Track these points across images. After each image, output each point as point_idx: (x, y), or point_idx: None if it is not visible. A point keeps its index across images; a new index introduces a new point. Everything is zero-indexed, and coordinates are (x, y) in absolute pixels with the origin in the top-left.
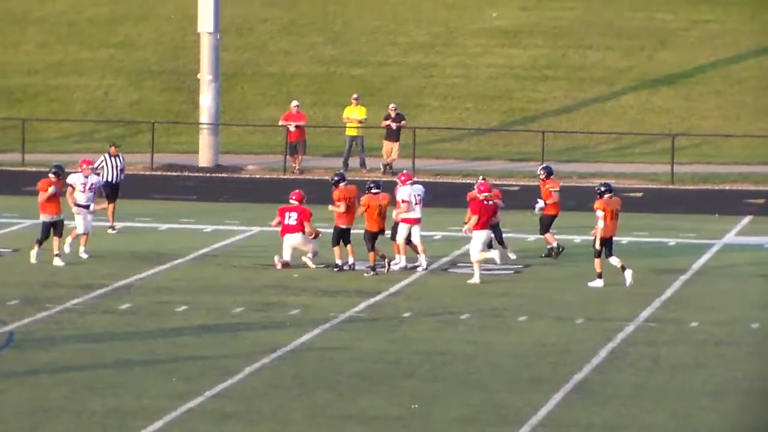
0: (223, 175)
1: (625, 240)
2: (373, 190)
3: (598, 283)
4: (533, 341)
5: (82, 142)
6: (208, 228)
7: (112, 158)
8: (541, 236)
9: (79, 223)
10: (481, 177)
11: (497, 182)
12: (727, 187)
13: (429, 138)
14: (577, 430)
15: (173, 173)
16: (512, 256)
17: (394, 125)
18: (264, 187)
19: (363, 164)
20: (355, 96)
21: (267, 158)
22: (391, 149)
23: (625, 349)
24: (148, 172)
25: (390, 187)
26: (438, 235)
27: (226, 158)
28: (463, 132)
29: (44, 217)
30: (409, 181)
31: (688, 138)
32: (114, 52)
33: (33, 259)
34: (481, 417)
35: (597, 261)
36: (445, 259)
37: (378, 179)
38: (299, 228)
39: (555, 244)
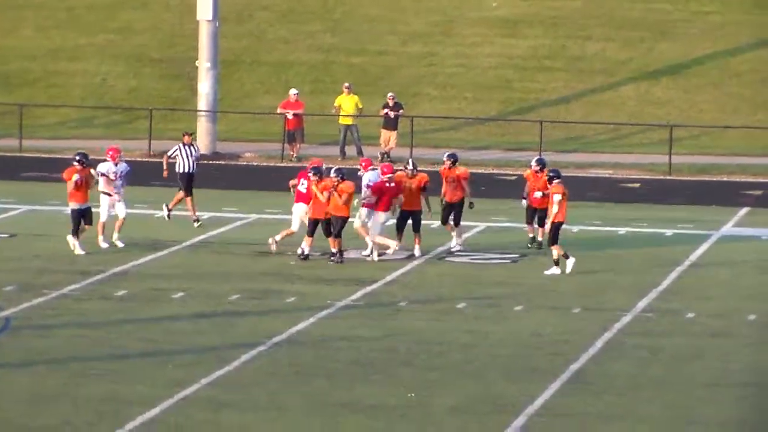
0: (220, 162)
1: (623, 230)
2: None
3: (556, 270)
4: (530, 331)
5: (80, 128)
6: (206, 215)
7: (186, 147)
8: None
9: (103, 210)
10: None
11: (494, 171)
12: (725, 179)
13: (427, 127)
14: (573, 420)
15: (171, 160)
16: (453, 245)
17: (392, 114)
18: (261, 175)
19: (360, 152)
20: (346, 85)
21: (265, 146)
22: (389, 138)
23: (622, 340)
24: (145, 159)
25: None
26: (435, 224)
27: (224, 146)
28: (461, 121)
29: (73, 205)
30: (371, 167)
31: (687, 129)
32: (113, 38)
33: (78, 250)
34: (477, 406)
35: (556, 247)
36: (441, 248)
37: (341, 167)
38: (308, 198)
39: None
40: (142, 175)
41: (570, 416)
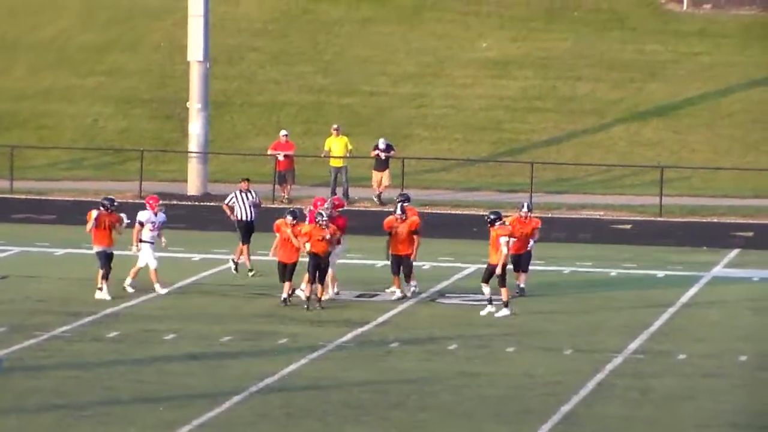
0: (211, 203)
1: (614, 272)
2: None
3: (506, 311)
4: (521, 372)
5: (71, 170)
6: (197, 257)
7: (243, 194)
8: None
9: (149, 258)
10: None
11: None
12: (716, 220)
13: (418, 168)
14: None
15: (162, 202)
16: (397, 293)
17: (383, 155)
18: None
19: (346, 195)
20: (335, 126)
21: (256, 187)
22: (380, 179)
23: (613, 381)
24: (136, 200)
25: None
26: (426, 265)
27: (215, 187)
28: (452, 162)
29: (97, 248)
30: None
31: (677, 170)
32: (103, 79)
33: (105, 295)
34: None
35: (504, 290)
36: (432, 290)
37: (295, 208)
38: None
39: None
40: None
41: None
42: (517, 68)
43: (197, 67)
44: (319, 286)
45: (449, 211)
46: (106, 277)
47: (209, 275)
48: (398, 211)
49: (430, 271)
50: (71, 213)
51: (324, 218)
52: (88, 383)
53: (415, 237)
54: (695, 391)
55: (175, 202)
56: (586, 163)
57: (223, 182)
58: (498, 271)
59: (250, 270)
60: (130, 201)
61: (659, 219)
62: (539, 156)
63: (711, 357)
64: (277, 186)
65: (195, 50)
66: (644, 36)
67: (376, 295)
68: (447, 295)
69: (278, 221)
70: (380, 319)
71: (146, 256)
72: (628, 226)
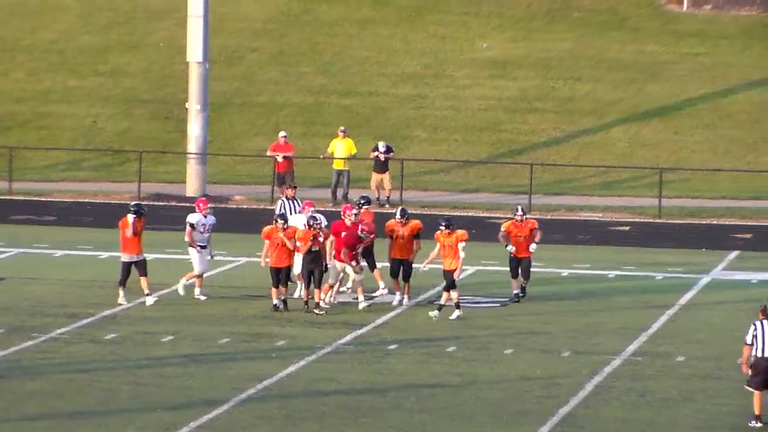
0: (210, 205)
1: (612, 273)
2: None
3: (459, 312)
4: (519, 374)
5: (70, 171)
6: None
7: (290, 201)
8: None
9: (195, 263)
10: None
11: (485, 215)
12: (715, 222)
13: (417, 170)
14: None
15: (160, 203)
16: (396, 298)
17: (382, 157)
18: (251, 218)
19: (345, 198)
20: (342, 128)
21: (255, 188)
22: (380, 180)
23: (612, 383)
24: (135, 202)
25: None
26: (425, 267)
27: (214, 188)
28: (451, 164)
29: (123, 257)
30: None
31: (677, 172)
32: (103, 80)
33: (122, 300)
34: None
35: (456, 291)
36: (431, 292)
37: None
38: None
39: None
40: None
41: None
42: (517, 69)
43: (196, 68)
44: (316, 291)
45: (448, 213)
46: (123, 284)
47: (206, 277)
48: (398, 216)
49: (429, 273)
50: (70, 214)
51: (318, 221)
52: (85, 385)
53: (416, 241)
54: (694, 394)
55: (173, 203)
56: (586, 164)
57: (223, 183)
58: (457, 275)
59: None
60: (129, 202)
61: (658, 221)
62: (538, 157)
63: (710, 359)
64: (276, 188)
65: (194, 51)
66: (644, 36)
67: (375, 297)
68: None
69: (267, 228)
70: (378, 321)
71: (195, 260)
72: (627, 228)
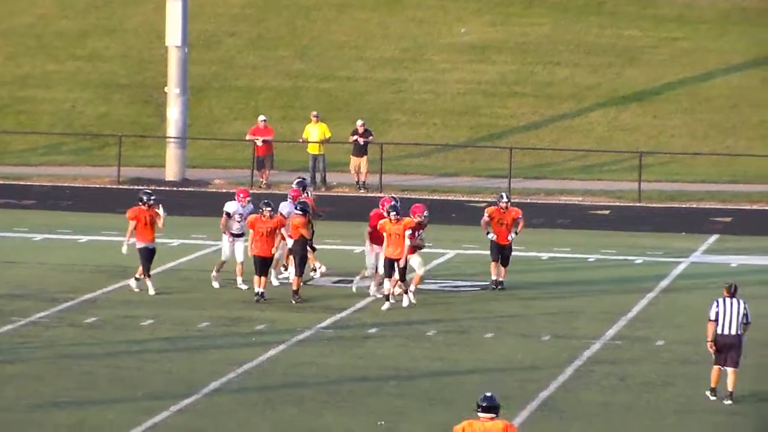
0: (189, 189)
1: (592, 257)
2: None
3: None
4: (499, 358)
5: (48, 155)
6: (175, 242)
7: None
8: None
9: (224, 250)
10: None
11: (464, 198)
12: (694, 205)
13: (396, 154)
14: None
15: (140, 187)
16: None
17: (361, 140)
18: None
19: (323, 181)
20: (314, 113)
21: (234, 172)
22: (358, 164)
23: (591, 367)
24: (114, 186)
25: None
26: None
27: (193, 172)
28: (430, 148)
29: (139, 244)
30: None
31: (656, 156)
32: (82, 65)
33: (134, 287)
34: None
35: (405, 283)
36: (410, 276)
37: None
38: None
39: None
40: (110, 202)
41: None
42: (495, 53)
43: (175, 52)
44: (296, 278)
45: (428, 197)
46: (147, 273)
47: (187, 261)
48: (392, 214)
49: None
50: (50, 198)
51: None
52: (65, 369)
53: (407, 236)
54: (673, 377)
55: (153, 187)
56: (565, 148)
57: (202, 167)
58: (402, 263)
59: (313, 269)
60: (108, 186)
61: (638, 204)
62: (518, 141)
63: (689, 343)
64: (255, 171)
65: (173, 35)
66: (623, 21)
67: (352, 279)
68: (425, 281)
69: (252, 217)
70: (358, 305)
71: (225, 247)
72: (607, 212)
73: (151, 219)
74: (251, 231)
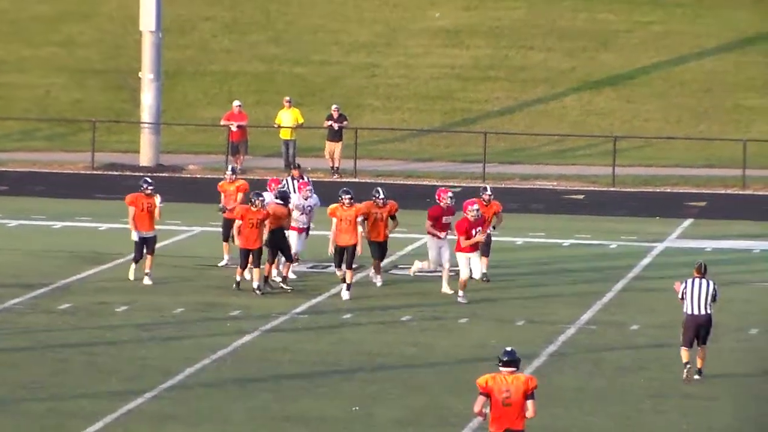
0: (164, 174)
1: (566, 242)
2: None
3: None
4: (474, 343)
5: (23, 141)
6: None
7: (295, 181)
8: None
9: (293, 244)
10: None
11: (439, 183)
12: (669, 190)
13: (371, 138)
14: None
15: (114, 172)
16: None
17: (336, 126)
18: (205, 187)
19: (292, 166)
20: (287, 99)
21: (208, 158)
22: (333, 150)
23: (566, 352)
24: (88, 171)
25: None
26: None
27: (168, 158)
28: (404, 133)
29: (138, 234)
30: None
31: (630, 140)
32: (57, 50)
33: (130, 275)
34: (422, 419)
35: (350, 272)
36: (386, 261)
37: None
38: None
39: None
40: (85, 188)
41: None
42: (469, 37)
43: (149, 37)
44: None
45: (402, 182)
46: (136, 261)
47: (161, 247)
48: (381, 196)
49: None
50: (24, 184)
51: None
52: (39, 356)
53: (391, 222)
54: (647, 362)
55: (127, 173)
56: (539, 133)
57: (176, 153)
58: (360, 251)
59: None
60: (82, 172)
61: (612, 189)
62: (492, 125)
63: (663, 327)
64: (230, 157)
65: (147, 20)
66: (597, 5)
67: (329, 266)
68: (400, 266)
69: (240, 207)
70: (333, 291)
71: (294, 241)
72: (581, 197)
73: (149, 206)
74: (239, 222)
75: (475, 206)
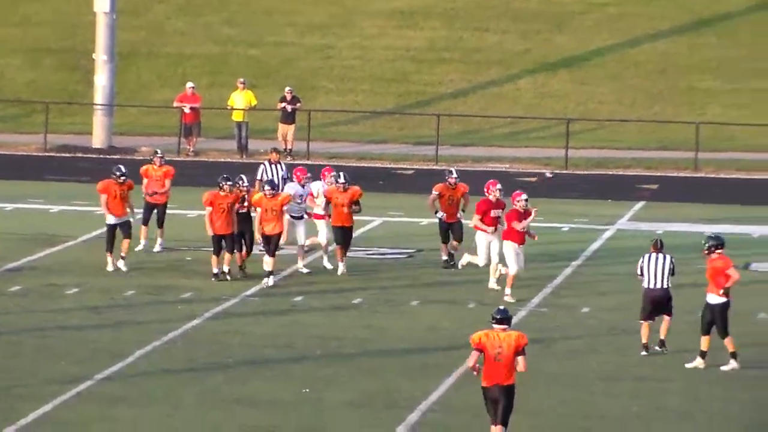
0: (116, 156)
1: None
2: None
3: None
4: (426, 326)
5: None
6: (101, 210)
7: (273, 166)
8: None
9: (299, 233)
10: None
11: (392, 165)
12: (621, 172)
13: (324, 120)
14: (468, 414)
15: (66, 154)
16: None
17: (289, 108)
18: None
19: (245, 148)
20: (241, 80)
21: (161, 140)
22: (286, 132)
23: None
24: (41, 153)
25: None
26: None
27: (120, 140)
28: (358, 115)
29: (108, 219)
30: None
31: (584, 122)
32: (12, 30)
33: (109, 267)
34: (372, 401)
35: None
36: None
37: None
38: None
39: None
40: (37, 169)
41: (465, 411)
42: (424, 19)
43: (103, 18)
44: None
45: (355, 164)
46: (110, 250)
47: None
48: (341, 180)
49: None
50: None
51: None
52: None
53: (354, 207)
54: (599, 345)
55: (80, 155)
56: (493, 115)
57: (129, 135)
58: (284, 239)
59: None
60: (35, 154)
61: (565, 171)
62: (446, 108)
63: (615, 310)
64: (182, 139)
65: (101, 1)
66: None
67: (282, 249)
68: (352, 248)
69: (208, 193)
70: (284, 273)
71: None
72: (534, 179)
73: (122, 194)
74: (210, 208)
75: (524, 196)
